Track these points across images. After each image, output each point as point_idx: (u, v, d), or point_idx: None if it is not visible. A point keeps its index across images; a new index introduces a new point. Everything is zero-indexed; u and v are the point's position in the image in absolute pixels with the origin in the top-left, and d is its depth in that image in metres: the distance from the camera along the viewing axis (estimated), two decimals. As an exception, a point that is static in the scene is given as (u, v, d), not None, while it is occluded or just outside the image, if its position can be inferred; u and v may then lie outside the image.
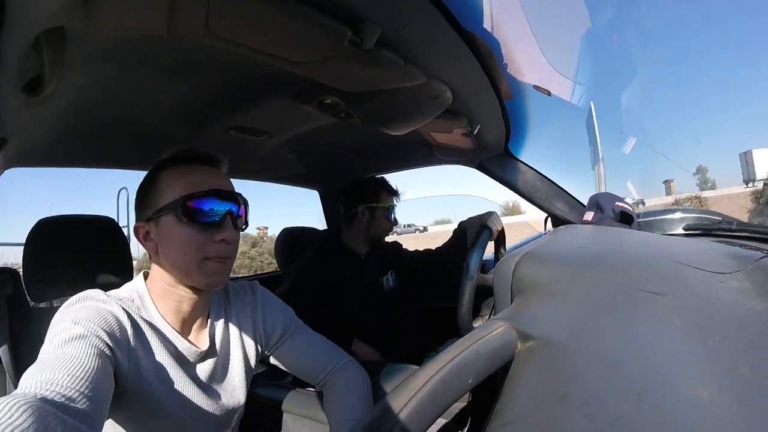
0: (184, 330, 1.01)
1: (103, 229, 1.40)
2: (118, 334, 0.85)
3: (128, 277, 1.39)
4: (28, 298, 1.27)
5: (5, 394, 1.13)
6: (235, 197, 0.97)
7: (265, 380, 1.53)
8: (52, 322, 0.83)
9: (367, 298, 1.99)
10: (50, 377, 0.66)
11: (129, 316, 0.90)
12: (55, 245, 1.29)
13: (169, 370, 0.94)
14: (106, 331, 0.82)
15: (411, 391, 0.52)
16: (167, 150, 1.02)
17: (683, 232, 1.49)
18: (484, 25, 1.06)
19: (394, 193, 2.12)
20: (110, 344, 0.82)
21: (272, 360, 1.20)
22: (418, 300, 2.35)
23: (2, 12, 0.70)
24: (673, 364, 0.52)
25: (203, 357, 1.02)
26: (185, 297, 0.98)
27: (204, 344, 1.03)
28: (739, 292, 0.69)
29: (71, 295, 1.26)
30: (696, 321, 0.61)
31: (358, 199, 2.05)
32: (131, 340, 0.88)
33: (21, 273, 1.28)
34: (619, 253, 1.00)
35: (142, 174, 1.03)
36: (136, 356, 0.89)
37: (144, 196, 0.98)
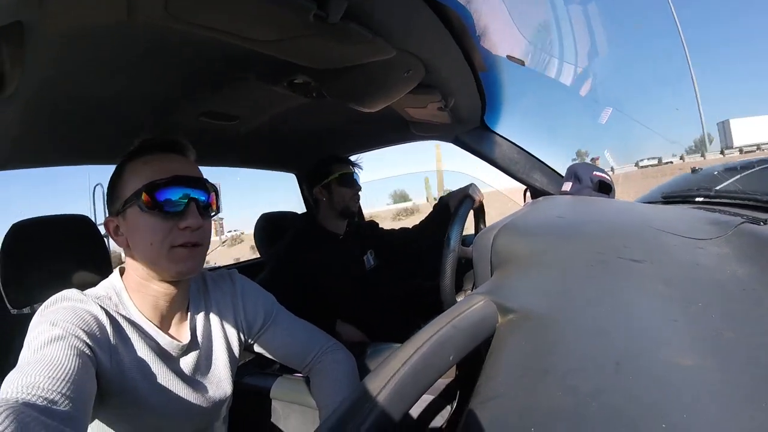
0: (164, 324, 0.99)
1: (79, 228, 1.36)
2: (97, 333, 0.83)
3: (108, 274, 1.35)
4: (9, 306, 1.23)
5: None
6: (201, 183, 0.95)
7: (252, 369, 1.53)
8: (30, 325, 0.81)
9: (349, 278, 1.98)
10: (31, 381, 0.65)
11: (107, 313, 0.88)
12: (31, 249, 1.25)
13: (152, 366, 0.93)
14: (85, 331, 0.80)
15: (390, 371, 0.51)
16: (134, 141, 0.99)
17: (662, 199, 1.49)
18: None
19: (344, 160, 2.08)
20: (90, 344, 0.80)
21: (256, 348, 1.19)
22: (400, 278, 2.34)
23: None
24: (655, 332, 0.52)
25: (186, 350, 1.01)
26: (161, 291, 0.96)
27: (185, 337, 1.01)
28: (720, 257, 0.69)
29: None
30: (678, 287, 0.61)
31: (313, 182, 2.04)
32: (111, 338, 0.86)
33: None
34: (597, 222, 0.99)
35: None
36: (118, 354, 0.87)
37: (112, 190, 0.96)
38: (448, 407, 1.06)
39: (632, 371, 0.45)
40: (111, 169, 0.99)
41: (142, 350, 0.92)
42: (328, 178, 1.98)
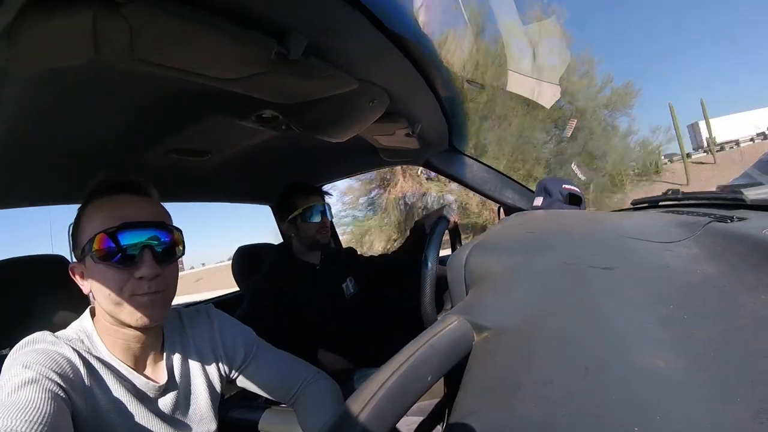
0: (139, 365, 0.96)
1: (54, 268, 1.34)
2: (71, 375, 0.81)
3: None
4: None
5: None
6: (159, 225, 0.91)
7: (237, 403, 1.51)
8: (2, 368, 0.79)
9: (328, 307, 1.96)
10: (7, 425, 0.63)
11: (80, 355, 0.85)
12: (5, 290, 1.23)
13: (128, 407, 0.90)
14: (58, 374, 0.78)
15: (368, 394, 0.51)
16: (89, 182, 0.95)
17: (631, 206, 1.53)
18: (412, 25, 1.07)
19: (309, 191, 2.02)
20: (64, 386, 0.78)
21: (239, 383, 1.17)
22: (382, 303, 2.34)
23: None
24: (627, 335, 0.53)
25: (163, 391, 0.97)
26: (130, 335, 0.92)
27: (162, 378, 0.98)
28: (689, 258, 0.70)
29: None
30: (648, 290, 0.62)
31: (280, 218, 2.02)
32: (86, 380, 0.84)
33: None
34: (566, 233, 1.02)
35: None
36: (93, 396, 0.84)
37: (73, 236, 0.93)
38: (439, 427, 1.07)
39: (604, 374, 0.46)
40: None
41: (118, 391, 0.89)
42: (294, 213, 1.94)
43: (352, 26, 0.94)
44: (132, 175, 0.94)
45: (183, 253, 0.96)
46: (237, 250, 2.49)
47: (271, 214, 2.64)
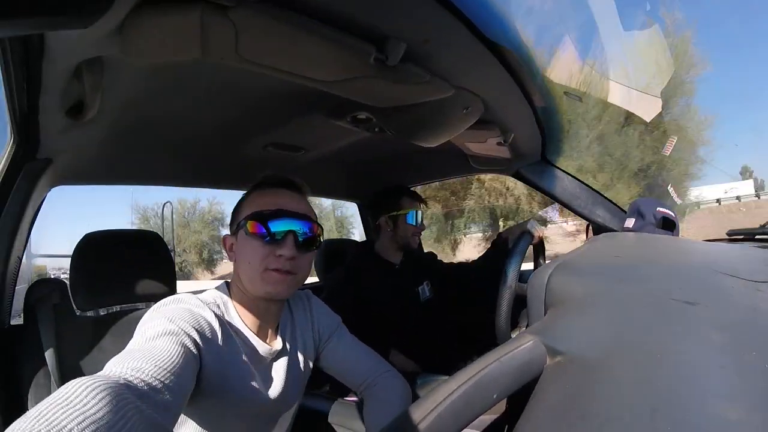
0: (260, 333, 1.08)
1: (147, 242, 1.47)
2: (209, 335, 0.93)
3: (172, 287, 1.46)
4: (74, 307, 1.34)
5: None
6: (305, 217, 1.05)
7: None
8: (143, 319, 0.90)
9: (403, 308, 1.98)
10: (137, 365, 0.70)
11: (218, 319, 0.98)
12: (101, 258, 1.35)
13: (250, 367, 1.02)
14: (198, 332, 0.89)
15: (432, 403, 0.52)
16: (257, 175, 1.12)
17: (726, 237, 1.42)
18: (510, 33, 1.06)
19: (416, 197, 2.11)
20: (201, 344, 0.89)
21: (321, 361, 1.25)
22: (456, 311, 2.32)
23: (41, 43, 0.75)
24: (700, 380, 0.49)
25: (277, 356, 1.11)
26: (260, 305, 1.06)
27: (277, 345, 1.10)
28: None
29: (115, 305, 1.36)
30: (731, 333, 0.57)
31: (380, 210, 2.07)
32: (220, 341, 0.96)
33: (68, 283, 1.34)
34: (653, 261, 0.96)
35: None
36: (222, 356, 0.95)
37: (234, 212, 1.09)
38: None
39: (672, 421, 0.43)
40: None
41: (243, 353, 1.01)
42: (397, 212, 2.01)
43: (451, 34, 0.94)
44: (294, 176, 1.11)
45: (320, 246, 1.11)
46: (322, 244, 2.56)
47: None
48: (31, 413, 0.50)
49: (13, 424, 0.48)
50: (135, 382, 0.66)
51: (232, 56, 0.87)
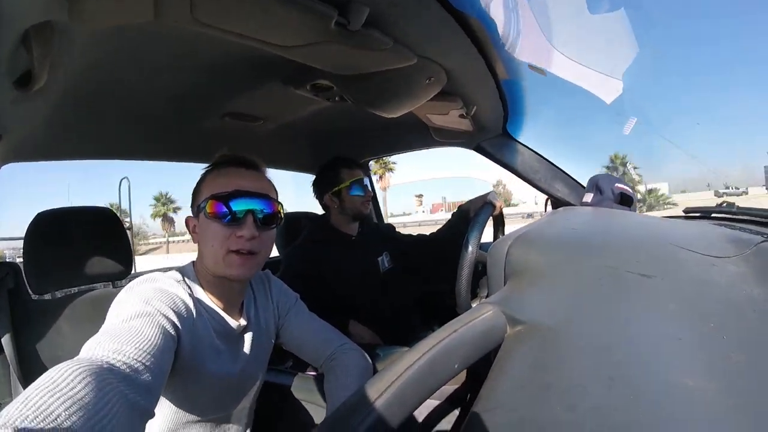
0: (227, 311, 1.09)
1: (102, 220, 1.41)
2: (184, 314, 0.95)
3: (128, 266, 1.42)
4: (30, 290, 1.29)
5: (9, 386, 1.19)
6: (263, 196, 1.04)
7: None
8: (116, 299, 0.91)
9: (362, 279, 1.98)
10: (118, 347, 0.71)
11: (191, 297, 1.01)
12: (55, 238, 1.30)
13: (219, 342, 1.06)
14: (174, 312, 0.91)
15: (393, 375, 0.51)
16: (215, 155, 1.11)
17: (683, 214, 1.46)
18: (477, 4, 1.04)
19: (355, 165, 2.07)
20: (177, 324, 0.90)
21: (281, 337, 1.27)
22: (416, 282, 2.34)
23: None
24: (661, 351, 0.51)
25: (243, 330, 1.13)
26: (225, 284, 1.07)
27: (243, 321, 1.12)
28: (736, 277, 0.66)
29: (72, 286, 1.32)
30: (689, 306, 0.59)
31: (323, 189, 2.04)
32: (194, 320, 0.98)
33: (22, 266, 1.30)
34: (611, 235, 0.98)
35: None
36: (195, 331, 0.98)
37: (194, 193, 1.09)
38: (455, 412, 1.06)
39: (634, 388, 0.44)
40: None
41: (213, 328, 1.04)
42: (339, 186, 1.98)
43: (417, 2, 0.92)
44: (250, 154, 1.10)
45: (281, 223, 1.11)
46: (282, 220, 2.52)
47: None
48: (19, 399, 0.50)
49: (3, 410, 0.49)
50: (117, 365, 0.67)
51: (187, 19, 0.83)
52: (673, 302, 0.60)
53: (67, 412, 0.50)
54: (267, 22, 0.90)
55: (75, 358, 0.64)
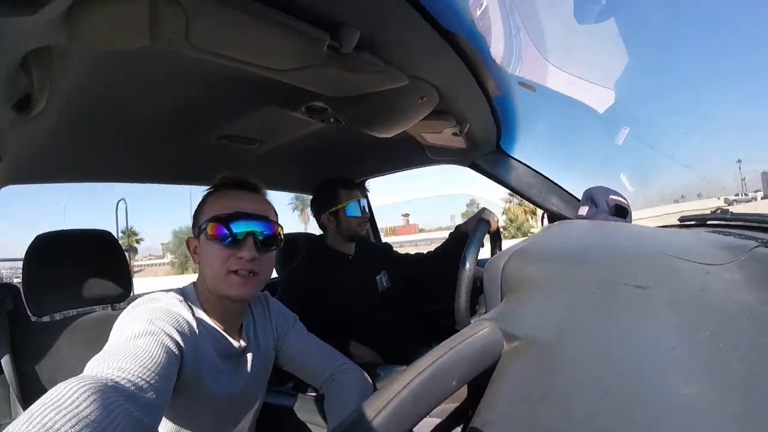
0: (227, 331, 1.10)
1: (101, 242, 1.41)
2: (187, 333, 0.95)
3: (128, 288, 1.42)
4: (29, 312, 1.29)
5: (9, 406, 1.18)
6: (263, 218, 1.06)
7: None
8: (119, 319, 0.92)
9: (360, 298, 1.98)
10: (122, 365, 0.71)
11: (194, 316, 1.01)
12: (54, 260, 1.30)
13: (221, 363, 1.06)
14: (177, 331, 0.92)
15: (390, 393, 0.52)
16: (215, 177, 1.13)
17: (678, 223, 1.47)
18: (466, 23, 1.06)
19: (353, 186, 2.08)
20: (180, 343, 0.91)
21: (280, 359, 1.27)
22: (416, 301, 2.34)
23: None
24: (657, 360, 0.51)
25: (243, 351, 1.14)
26: (225, 304, 1.08)
27: (243, 342, 1.13)
28: (730, 283, 0.66)
29: (71, 308, 1.31)
30: (684, 314, 0.59)
31: (320, 209, 2.04)
32: (196, 339, 0.99)
33: (21, 288, 1.29)
34: (605, 247, 0.98)
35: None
36: (198, 351, 0.99)
37: (195, 215, 1.10)
38: (457, 430, 1.06)
39: (631, 398, 0.44)
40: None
41: (214, 348, 1.05)
42: (336, 207, 1.98)
43: (406, 22, 0.94)
44: (250, 177, 1.12)
45: (281, 245, 1.12)
46: (282, 242, 2.52)
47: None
48: (23, 416, 0.51)
49: (8, 427, 0.49)
50: (121, 382, 0.67)
51: (182, 44, 0.85)
52: (669, 312, 0.60)
53: (72, 430, 0.50)
54: (261, 46, 0.91)
55: (79, 376, 0.64)
